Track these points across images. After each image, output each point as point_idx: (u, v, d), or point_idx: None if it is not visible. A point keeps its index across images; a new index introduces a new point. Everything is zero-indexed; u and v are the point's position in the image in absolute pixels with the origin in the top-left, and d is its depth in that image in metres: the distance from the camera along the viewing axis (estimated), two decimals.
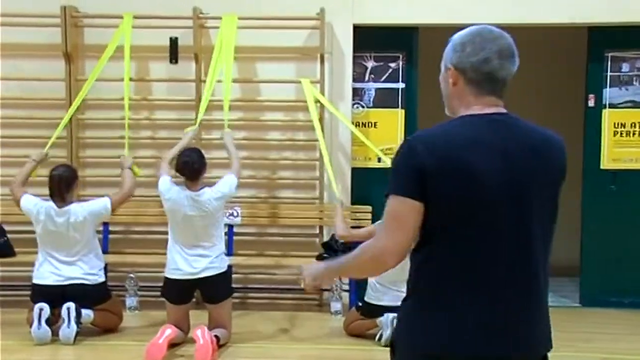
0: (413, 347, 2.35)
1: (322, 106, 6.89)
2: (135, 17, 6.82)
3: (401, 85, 7.18)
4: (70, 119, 6.87)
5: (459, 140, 2.28)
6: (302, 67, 7.12)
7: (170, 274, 5.72)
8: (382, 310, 5.75)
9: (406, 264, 2.42)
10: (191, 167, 5.69)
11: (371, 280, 5.90)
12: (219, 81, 6.64)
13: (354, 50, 7.09)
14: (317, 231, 7.18)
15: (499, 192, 2.26)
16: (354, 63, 7.14)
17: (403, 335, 2.40)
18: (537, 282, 2.34)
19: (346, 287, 6.84)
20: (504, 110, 2.39)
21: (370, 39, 7.06)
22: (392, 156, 2.41)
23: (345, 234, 5.97)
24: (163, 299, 5.81)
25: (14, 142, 7.10)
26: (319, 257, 6.48)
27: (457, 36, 2.41)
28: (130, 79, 6.83)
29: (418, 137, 2.33)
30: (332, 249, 6.29)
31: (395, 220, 2.28)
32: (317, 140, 6.93)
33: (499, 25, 2.40)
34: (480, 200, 2.25)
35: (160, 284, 5.85)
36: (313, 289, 2.61)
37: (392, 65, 7.18)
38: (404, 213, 2.27)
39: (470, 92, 2.37)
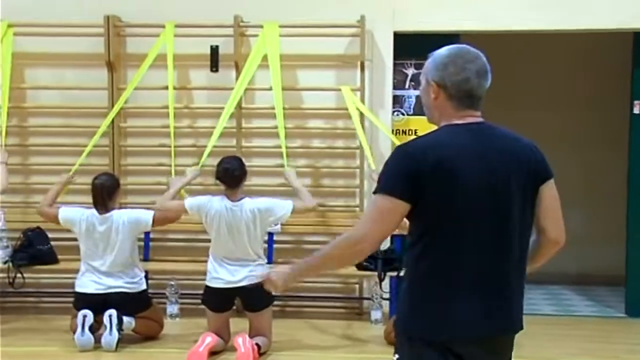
0: (411, 333, 2.60)
1: (361, 114, 6.86)
2: (177, 26, 6.87)
3: None
4: (112, 126, 6.95)
5: (446, 147, 2.54)
6: (342, 75, 7.10)
7: (211, 282, 5.73)
8: None
9: None
10: (232, 174, 5.70)
11: None
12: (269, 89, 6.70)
13: (395, 58, 7.06)
14: None
15: (481, 192, 2.52)
16: (395, 70, 7.11)
17: (401, 322, 2.65)
18: (511, 269, 2.60)
19: (386, 295, 6.78)
20: (480, 119, 2.65)
21: (411, 46, 7.00)
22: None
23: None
24: (204, 307, 5.83)
25: (55, 150, 7.18)
26: (359, 266, 6.44)
27: (439, 55, 2.64)
28: (172, 87, 6.89)
29: (411, 144, 2.60)
30: (372, 256, 6.24)
31: (381, 214, 2.54)
32: (357, 148, 6.90)
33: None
34: (466, 201, 2.51)
35: (201, 292, 5.87)
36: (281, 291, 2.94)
37: None
38: (391, 210, 2.52)
39: (451, 106, 2.62)
